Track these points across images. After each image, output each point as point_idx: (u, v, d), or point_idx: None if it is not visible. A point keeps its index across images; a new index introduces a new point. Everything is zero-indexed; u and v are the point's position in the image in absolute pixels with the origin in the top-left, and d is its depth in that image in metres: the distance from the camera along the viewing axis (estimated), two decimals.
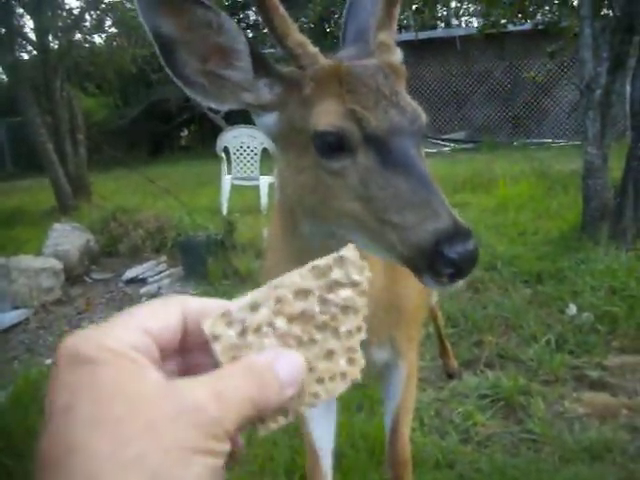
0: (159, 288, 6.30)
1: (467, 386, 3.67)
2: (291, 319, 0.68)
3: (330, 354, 0.69)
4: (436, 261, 1.18)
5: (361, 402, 3.48)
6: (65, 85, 11.97)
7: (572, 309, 4.52)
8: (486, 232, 6.86)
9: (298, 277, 0.69)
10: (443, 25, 25.53)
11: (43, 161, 11.20)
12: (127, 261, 7.40)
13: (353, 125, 1.30)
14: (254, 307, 0.67)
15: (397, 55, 1.48)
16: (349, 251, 0.72)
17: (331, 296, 0.70)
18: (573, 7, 8.85)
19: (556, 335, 4.14)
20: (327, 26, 26.36)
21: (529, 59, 18.50)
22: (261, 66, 1.42)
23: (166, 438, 0.53)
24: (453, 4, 24.53)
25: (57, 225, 7.34)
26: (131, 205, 8.83)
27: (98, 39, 14.52)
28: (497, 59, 19.53)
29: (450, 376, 3.83)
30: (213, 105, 1.44)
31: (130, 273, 6.82)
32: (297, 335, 0.68)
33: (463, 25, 25.53)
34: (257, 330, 0.66)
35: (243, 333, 0.65)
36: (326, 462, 2.18)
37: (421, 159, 1.31)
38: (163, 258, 7.19)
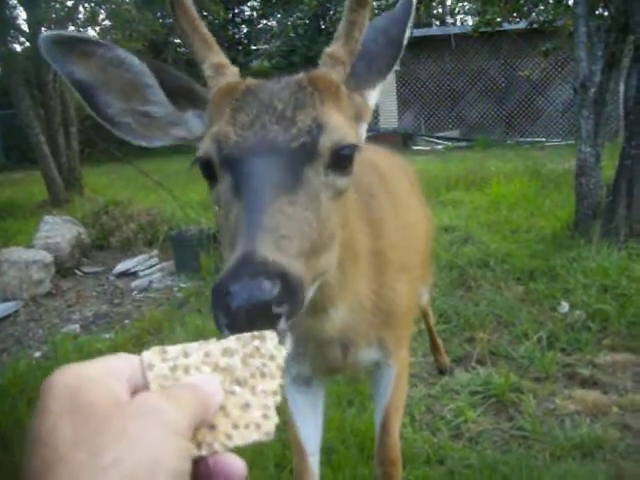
0: (150, 282, 6.27)
1: (458, 382, 3.66)
2: (215, 368, 0.78)
3: (246, 406, 0.77)
4: (213, 308, 0.96)
5: (352, 397, 3.48)
6: (58, 77, 11.89)
7: (564, 307, 4.52)
8: (479, 229, 6.87)
9: (225, 341, 0.80)
10: (438, 23, 25.53)
11: (35, 154, 11.14)
12: (118, 255, 7.38)
13: (215, 148, 1.20)
14: (186, 354, 0.77)
15: (340, 68, 1.35)
16: (270, 332, 0.82)
17: (251, 360, 0.80)
18: (568, 6, 8.85)
19: (548, 332, 4.14)
20: (322, 22, 26.30)
21: (524, 58, 18.52)
22: (182, 97, 1.38)
23: (137, 440, 0.60)
24: (449, 2, 24.55)
25: (48, 218, 7.29)
26: (123, 199, 8.78)
27: (92, 32, 14.43)
28: (492, 57, 19.54)
29: (441, 372, 3.82)
30: (143, 144, 1.41)
31: (121, 267, 6.79)
32: (218, 382, 0.77)
33: (458, 23, 25.55)
34: (186, 370, 0.76)
35: (174, 369, 0.76)
36: (313, 460, 2.16)
37: (283, 185, 1.11)
38: (155, 252, 7.16)
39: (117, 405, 0.63)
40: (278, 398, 0.80)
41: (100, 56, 1.32)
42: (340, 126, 1.23)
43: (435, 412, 3.42)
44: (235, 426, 0.75)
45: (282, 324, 0.93)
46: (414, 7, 1.60)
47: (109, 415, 0.61)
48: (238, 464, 0.74)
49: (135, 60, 1.34)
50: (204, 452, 0.72)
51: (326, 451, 2.94)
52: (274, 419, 0.77)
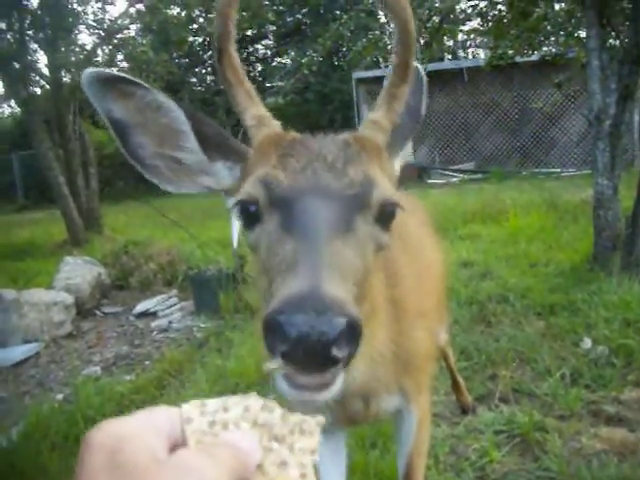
0: (170, 322, 6.29)
1: (482, 421, 3.62)
2: (254, 424, 0.77)
3: (283, 464, 0.76)
4: (269, 333, 0.92)
5: (375, 439, 3.44)
6: (77, 119, 12.12)
7: (587, 342, 4.47)
8: (497, 264, 6.84)
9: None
10: (450, 57, 25.75)
11: (55, 194, 11.30)
12: (138, 294, 7.42)
13: (262, 189, 1.22)
14: (225, 408, 0.78)
15: (382, 135, 1.38)
16: None
17: (291, 416, 0.80)
18: (580, 38, 8.92)
19: (571, 369, 4.09)
20: (335, 60, 26.64)
21: (536, 89, 18.61)
22: (214, 147, 1.41)
23: None
24: (460, 37, 24.75)
25: (68, 258, 7.37)
26: (141, 238, 8.86)
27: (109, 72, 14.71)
28: (505, 90, 19.65)
29: (464, 412, 3.78)
30: (170, 189, 1.43)
31: (141, 307, 6.82)
32: (256, 439, 0.77)
33: (470, 56, 25.74)
34: (224, 425, 0.76)
35: (212, 424, 0.76)
36: None
37: (338, 227, 1.12)
38: (174, 292, 7.19)
39: (155, 462, 0.64)
40: (316, 456, 0.79)
41: (139, 98, 1.36)
42: (387, 185, 1.28)
43: (459, 453, 3.38)
44: None
45: (339, 371, 0.92)
46: (426, 79, 1.71)
47: (147, 473, 0.62)
48: None
49: (173, 105, 1.38)
50: None
51: None
52: (311, 478, 0.77)
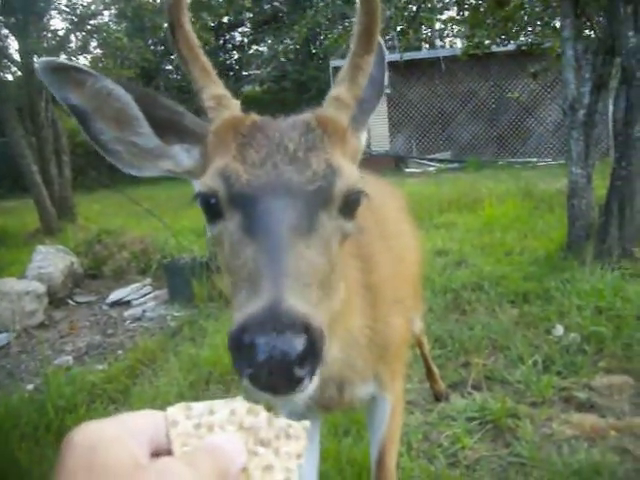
0: (143, 311, 6.23)
1: (455, 409, 3.63)
2: (240, 428, 0.77)
3: (269, 468, 0.76)
4: (234, 353, 0.92)
5: (348, 427, 3.44)
6: (49, 106, 11.93)
7: (559, 330, 4.50)
8: (472, 252, 6.87)
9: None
10: (427, 46, 25.78)
11: (27, 182, 11.14)
12: (111, 283, 7.34)
13: (222, 183, 1.17)
14: (211, 411, 0.78)
15: (346, 111, 1.33)
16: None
17: (277, 420, 0.80)
18: (555, 28, 8.96)
19: (543, 356, 4.12)
20: (312, 48, 26.53)
21: (513, 79, 18.73)
22: (170, 130, 1.37)
23: None
24: (437, 26, 24.77)
25: (41, 247, 7.26)
26: (115, 227, 8.77)
27: (83, 60, 14.52)
28: (481, 79, 19.73)
29: (438, 399, 3.79)
30: (133, 173, 1.40)
31: (114, 296, 6.75)
32: (242, 442, 0.76)
33: (447, 46, 25.79)
34: (210, 428, 0.76)
35: (198, 427, 0.76)
36: None
37: (301, 227, 1.09)
38: (148, 280, 7.13)
39: (135, 467, 0.63)
40: (302, 461, 0.79)
41: (90, 85, 1.32)
42: (351, 171, 1.23)
43: (432, 440, 3.38)
44: None
45: (305, 386, 0.91)
46: (385, 48, 1.66)
47: (125, 477, 0.61)
48: None
49: (121, 91, 1.34)
50: None
51: None
52: None
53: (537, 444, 3.24)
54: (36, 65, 1.30)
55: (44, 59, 1.30)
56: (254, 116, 1.31)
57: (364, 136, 1.53)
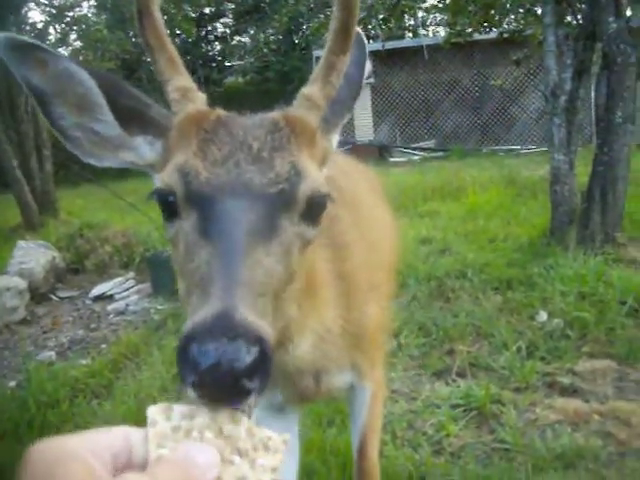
0: (127, 305, 6.18)
1: (439, 396, 3.63)
2: (218, 435, 0.77)
3: (242, 479, 0.75)
4: (182, 361, 0.84)
5: (332, 417, 3.43)
6: (30, 100, 11.77)
7: (542, 316, 4.52)
8: (456, 240, 6.88)
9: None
10: (411, 35, 25.73)
11: (8, 177, 10.99)
12: (94, 278, 7.27)
13: (180, 181, 1.11)
14: (192, 416, 0.77)
15: (316, 112, 1.26)
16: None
17: (258, 431, 0.80)
18: (537, 15, 8.96)
19: (527, 342, 4.13)
20: (295, 38, 26.41)
21: (496, 67, 18.74)
22: (134, 120, 1.30)
23: None
24: (420, 14, 24.71)
25: (22, 243, 7.18)
26: (98, 221, 8.69)
27: (63, 53, 14.36)
28: (465, 68, 19.74)
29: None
30: (92, 162, 1.34)
31: (97, 290, 6.69)
32: (219, 450, 0.75)
33: (430, 35, 25.75)
34: (188, 432, 0.76)
35: (176, 430, 0.76)
36: None
37: (259, 233, 1.03)
38: (131, 274, 7.07)
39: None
40: (276, 475, 0.78)
41: (53, 66, 1.26)
42: (317, 175, 1.17)
43: (416, 428, 3.38)
44: None
45: (251, 401, 0.85)
46: (367, 47, 1.58)
47: None
48: None
49: (85, 75, 1.27)
50: None
51: (307, 473, 2.89)
52: None
53: (521, 430, 3.25)
54: None
55: (3, 34, 1.23)
56: (219, 111, 1.25)
57: (335, 139, 1.45)
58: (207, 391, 0.80)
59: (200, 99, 1.28)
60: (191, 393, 0.82)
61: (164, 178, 1.13)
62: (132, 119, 1.30)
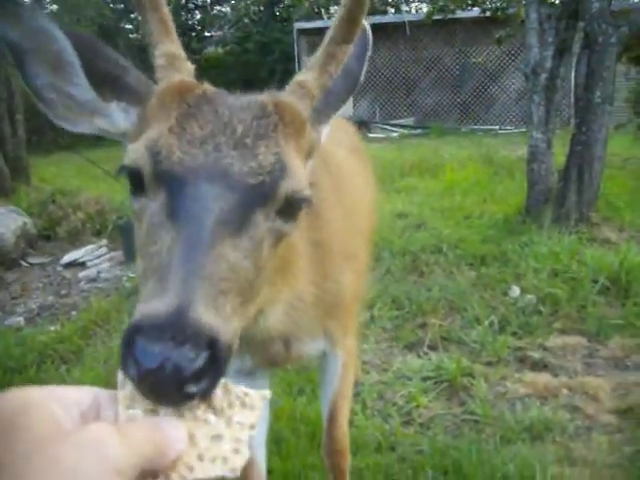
0: (98, 272, 6.10)
1: (410, 368, 3.64)
2: None
3: (217, 437, 0.74)
4: (125, 351, 0.79)
5: (303, 386, 3.42)
6: (2, 63, 11.49)
7: (515, 291, 4.54)
8: (432, 216, 6.88)
9: None
10: (393, 10, 25.55)
11: None
12: (66, 245, 7.14)
13: (149, 158, 1.03)
14: None
15: (308, 101, 1.19)
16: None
17: (234, 388, 0.79)
18: None
19: (499, 317, 4.16)
20: (276, 9, 26.08)
21: (478, 46, 18.70)
22: (109, 84, 1.21)
23: (69, 471, 0.57)
24: None
25: None
26: (71, 188, 8.54)
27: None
28: (446, 45, 19.65)
29: None
30: (66, 126, 1.26)
31: (69, 257, 6.58)
32: (192, 409, 0.75)
33: (413, 11, 25.60)
34: None
35: None
36: (259, 454, 2.10)
37: (230, 225, 0.96)
38: (103, 242, 6.97)
39: (57, 432, 0.60)
40: (254, 432, 0.77)
41: (29, 22, 1.18)
42: (300, 173, 1.10)
43: (387, 399, 3.39)
44: (200, 458, 0.72)
45: (194, 403, 0.79)
46: (371, 41, 1.51)
47: (44, 442, 0.59)
48: None
49: (60, 34, 1.18)
50: None
51: (276, 441, 2.89)
52: (244, 454, 0.74)
53: (491, 402, 3.28)
54: None
55: None
56: (206, 86, 1.16)
57: (326, 131, 1.38)
58: (147, 390, 0.76)
59: (188, 70, 1.20)
60: (132, 383, 0.77)
61: (132, 155, 1.05)
62: (107, 83, 1.22)
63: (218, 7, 27.70)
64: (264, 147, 1.06)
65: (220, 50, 24.60)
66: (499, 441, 2.92)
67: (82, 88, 1.22)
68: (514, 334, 3.98)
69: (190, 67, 1.21)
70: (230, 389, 0.78)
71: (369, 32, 1.52)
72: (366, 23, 1.41)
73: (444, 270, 5.16)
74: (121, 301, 5.08)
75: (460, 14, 11.86)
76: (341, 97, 1.41)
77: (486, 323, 4.06)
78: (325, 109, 1.33)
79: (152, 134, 1.06)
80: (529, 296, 4.42)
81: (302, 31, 19.66)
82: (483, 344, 3.84)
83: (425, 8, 20.28)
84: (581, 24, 6.12)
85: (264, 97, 1.16)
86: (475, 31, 17.88)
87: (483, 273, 5.00)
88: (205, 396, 0.78)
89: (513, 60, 18.70)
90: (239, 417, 0.76)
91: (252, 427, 0.77)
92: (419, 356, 3.83)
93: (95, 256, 6.54)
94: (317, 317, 1.77)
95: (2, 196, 9.83)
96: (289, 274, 1.52)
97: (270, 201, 1.04)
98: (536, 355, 3.71)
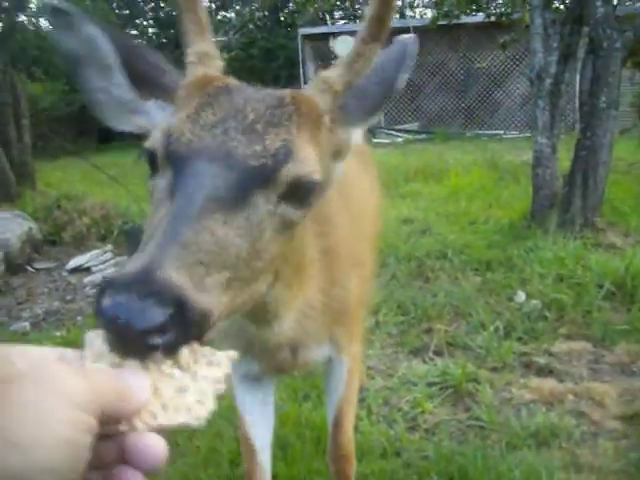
0: (104, 277, 6.11)
1: (416, 374, 3.63)
2: None
3: (181, 390, 0.76)
4: (94, 304, 0.83)
5: (308, 391, 3.42)
6: (8, 69, 11.54)
7: (520, 296, 4.53)
8: (437, 221, 6.88)
9: None
10: (398, 16, 25.57)
11: None
12: (72, 250, 7.16)
13: (162, 140, 1.09)
14: None
15: (329, 96, 1.20)
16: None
17: (201, 349, 0.82)
18: None
19: (505, 322, 4.15)
20: (281, 15, 26.14)
21: (482, 51, 18.72)
22: (147, 85, 1.28)
23: (29, 403, 0.60)
24: None
25: None
26: (77, 193, 8.57)
27: (44, 22, 14.09)
28: (451, 50, 19.67)
29: None
30: (113, 126, 1.33)
31: (74, 262, 6.59)
32: (156, 364, 0.78)
33: (417, 16, 25.61)
34: None
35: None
36: (264, 456, 2.11)
37: (223, 201, 0.99)
38: (109, 247, 6.98)
39: (16, 372, 0.62)
40: (221, 386, 0.79)
41: (82, 30, 1.24)
42: (309, 159, 1.10)
43: (392, 404, 3.38)
44: (164, 407, 0.74)
45: (157, 356, 0.80)
46: (416, 49, 1.46)
47: (2, 380, 0.61)
48: (158, 444, 0.71)
49: (104, 39, 1.24)
50: (123, 428, 0.71)
51: (282, 446, 2.89)
52: (209, 406, 0.77)
53: (496, 408, 3.27)
54: (45, 3, 1.27)
55: (48, 1, 1.25)
56: (229, 79, 1.20)
57: (358, 134, 1.34)
58: (111, 341, 0.79)
59: (216, 66, 1.24)
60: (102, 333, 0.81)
61: (151, 138, 1.12)
62: (146, 84, 1.28)
63: (223, 13, 27.82)
64: (273, 134, 1.08)
65: (225, 56, 24.62)
66: (505, 447, 2.91)
67: (123, 88, 1.28)
68: (519, 339, 3.97)
69: (219, 64, 1.26)
70: (196, 349, 0.81)
71: (414, 41, 1.49)
72: (415, 36, 1.45)
73: (449, 275, 5.16)
74: None
75: (464, 19, 11.86)
76: (376, 102, 1.37)
77: (491, 328, 4.06)
78: (357, 112, 1.31)
79: (171, 120, 1.12)
80: (534, 301, 4.41)
81: (307, 37, 19.73)
82: (488, 349, 3.83)
83: (430, 13, 20.33)
84: (586, 29, 6.11)
85: (283, 91, 1.19)
86: (479, 36, 17.89)
87: (488, 278, 4.99)
88: (168, 351, 0.80)
89: (517, 65, 18.71)
90: (205, 372, 0.79)
91: (218, 382, 0.79)
92: (424, 361, 3.82)
93: (100, 261, 6.55)
94: (324, 324, 1.77)
95: (8, 201, 9.87)
96: (303, 279, 1.54)
97: (270, 184, 1.06)
98: (542, 361, 3.70)
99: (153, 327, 0.78)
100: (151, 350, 0.78)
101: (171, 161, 1.06)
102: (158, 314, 0.79)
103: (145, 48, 1.33)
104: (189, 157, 1.04)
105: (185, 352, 0.79)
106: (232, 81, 1.20)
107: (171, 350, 0.80)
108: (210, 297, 0.91)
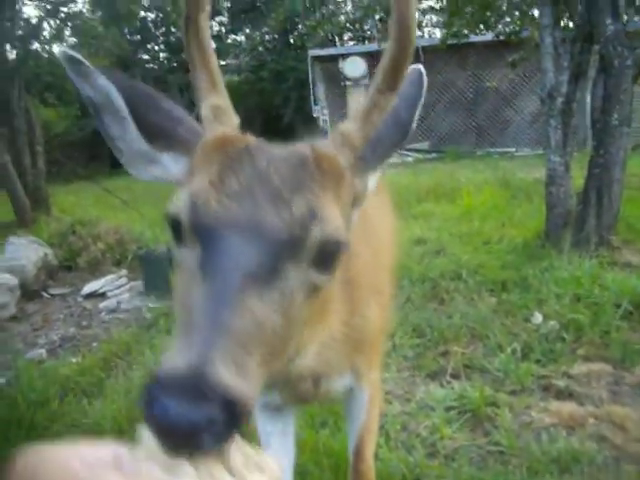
0: (119, 302, 6.13)
1: (433, 398, 3.60)
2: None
3: None
4: (144, 403, 0.81)
5: (326, 418, 3.39)
6: (22, 95, 11.70)
7: (537, 318, 4.49)
8: (451, 241, 6.85)
9: None
10: None
11: (0, 174, 10.91)
12: (86, 275, 7.21)
13: (188, 210, 1.05)
14: None
15: (350, 152, 1.18)
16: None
17: (253, 452, 0.82)
18: (534, 17, 8.95)
19: (522, 344, 4.11)
20: (291, 37, 26.37)
21: (491, 69, 18.77)
22: (160, 136, 1.27)
23: None
24: (416, 15, 24.70)
25: (13, 239, 7.11)
26: (91, 218, 8.62)
27: (57, 49, 14.27)
28: (460, 69, 19.74)
29: None
30: (133, 173, 1.33)
31: (89, 288, 6.62)
32: (208, 469, 0.77)
33: (426, 36, 25.75)
34: None
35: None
36: None
37: (259, 277, 0.96)
38: (123, 272, 7.01)
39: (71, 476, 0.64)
40: None
41: (93, 80, 1.25)
42: (335, 220, 1.08)
43: (410, 430, 3.35)
44: None
45: (206, 454, 0.80)
46: (425, 86, 1.47)
47: None
48: None
49: (113, 90, 1.24)
50: None
51: (300, 474, 2.86)
52: None
53: (516, 432, 3.22)
54: (59, 55, 1.25)
55: (61, 50, 1.25)
56: (247, 138, 1.18)
57: (374, 179, 1.35)
58: (163, 442, 0.78)
59: (232, 121, 1.23)
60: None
61: (175, 204, 1.08)
62: (160, 135, 1.27)
63: (233, 36, 28.11)
64: (300, 199, 1.05)
65: (235, 78, 24.87)
66: (526, 473, 2.87)
67: (137, 140, 1.27)
68: (537, 362, 3.93)
69: (235, 119, 1.23)
70: (249, 453, 0.81)
71: (424, 76, 1.50)
72: (421, 67, 1.43)
73: (464, 297, 5.13)
74: (141, 332, 5.10)
75: (473, 38, 11.91)
76: (390, 147, 1.38)
77: (509, 350, 4.02)
78: (373, 159, 1.30)
79: (193, 186, 1.08)
80: (551, 322, 4.37)
81: (316, 58, 19.85)
82: (506, 372, 3.79)
83: (438, 33, 20.41)
84: (596, 47, 6.11)
85: (304, 147, 1.16)
86: (488, 55, 17.96)
87: (504, 299, 4.95)
88: (215, 446, 0.79)
89: (527, 83, 18.74)
90: (252, 478, 0.78)
91: None
92: (442, 385, 3.79)
93: (115, 286, 6.58)
94: (346, 354, 1.75)
95: (23, 227, 9.98)
96: (326, 317, 1.53)
97: (301, 251, 1.04)
98: (561, 383, 3.66)
99: (203, 428, 0.78)
100: (200, 448, 0.78)
101: (198, 233, 1.03)
102: (209, 415, 0.79)
103: (157, 96, 1.30)
104: (217, 230, 1.01)
105: (235, 455, 0.78)
106: (251, 140, 1.17)
107: (218, 444, 0.80)
108: (252, 382, 0.89)
